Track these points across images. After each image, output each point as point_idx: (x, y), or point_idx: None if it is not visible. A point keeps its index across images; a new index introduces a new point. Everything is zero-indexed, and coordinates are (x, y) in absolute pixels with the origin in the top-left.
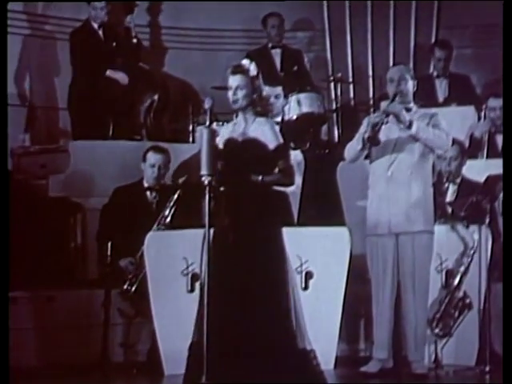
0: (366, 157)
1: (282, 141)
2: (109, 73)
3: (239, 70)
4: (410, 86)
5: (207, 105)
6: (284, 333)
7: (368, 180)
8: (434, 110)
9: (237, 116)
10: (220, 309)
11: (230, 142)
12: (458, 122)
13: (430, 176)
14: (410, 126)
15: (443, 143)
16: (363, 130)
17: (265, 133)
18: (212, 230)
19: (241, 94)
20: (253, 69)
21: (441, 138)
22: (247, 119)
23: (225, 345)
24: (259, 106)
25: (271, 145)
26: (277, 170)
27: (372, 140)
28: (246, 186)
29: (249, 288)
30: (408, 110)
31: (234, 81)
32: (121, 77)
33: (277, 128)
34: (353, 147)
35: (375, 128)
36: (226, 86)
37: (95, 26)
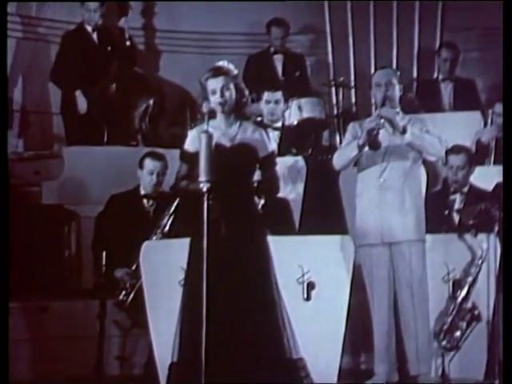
0: (355, 164)
1: (270, 150)
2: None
3: (220, 71)
4: (397, 90)
5: (205, 109)
6: (271, 343)
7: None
8: (420, 116)
9: (223, 120)
10: (210, 321)
11: (219, 148)
12: (463, 127)
13: (421, 183)
14: (404, 132)
15: (437, 150)
16: (350, 136)
17: (256, 140)
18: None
19: (228, 93)
20: (233, 68)
21: (434, 145)
22: (231, 123)
23: (216, 357)
24: (245, 108)
25: (262, 153)
26: (259, 178)
27: (373, 144)
28: (241, 193)
29: (237, 298)
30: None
31: (217, 82)
32: (81, 101)
33: (268, 135)
34: (346, 154)
35: (373, 133)
36: None
37: (89, 29)
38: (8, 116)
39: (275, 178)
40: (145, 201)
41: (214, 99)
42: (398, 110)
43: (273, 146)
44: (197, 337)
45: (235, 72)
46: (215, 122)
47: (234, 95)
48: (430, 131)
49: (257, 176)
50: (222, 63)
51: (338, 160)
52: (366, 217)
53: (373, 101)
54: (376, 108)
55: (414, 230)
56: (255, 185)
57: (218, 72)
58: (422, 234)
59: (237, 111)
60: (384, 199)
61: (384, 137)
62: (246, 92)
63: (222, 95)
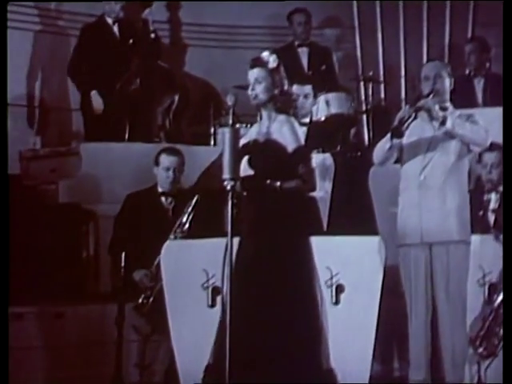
0: (397, 161)
1: (302, 143)
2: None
3: (257, 63)
4: (447, 83)
5: (230, 102)
6: (310, 352)
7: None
8: (470, 111)
9: (261, 115)
10: (242, 325)
11: (250, 144)
12: (497, 123)
13: (466, 180)
14: (443, 122)
15: (481, 139)
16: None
17: (284, 133)
18: (235, 239)
19: (259, 88)
20: (272, 61)
21: (479, 133)
22: (271, 117)
23: (247, 363)
24: (279, 102)
25: (290, 147)
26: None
27: (395, 131)
28: (268, 191)
29: (273, 303)
30: (444, 109)
31: (252, 75)
32: (96, 101)
33: (298, 128)
34: (381, 147)
35: (401, 121)
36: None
37: (110, 21)
38: (7, 113)
39: (309, 173)
40: (163, 199)
41: (249, 91)
42: (447, 104)
43: (302, 139)
44: (233, 339)
45: (273, 64)
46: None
47: (268, 89)
48: (476, 123)
49: (293, 172)
50: (264, 54)
51: (376, 154)
52: (406, 216)
53: (403, 96)
54: (406, 104)
55: (456, 230)
56: (291, 181)
57: (254, 63)
58: (464, 234)
59: (275, 106)
60: (424, 198)
61: (427, 130)
62: (286, 87)
63: (253, 88)
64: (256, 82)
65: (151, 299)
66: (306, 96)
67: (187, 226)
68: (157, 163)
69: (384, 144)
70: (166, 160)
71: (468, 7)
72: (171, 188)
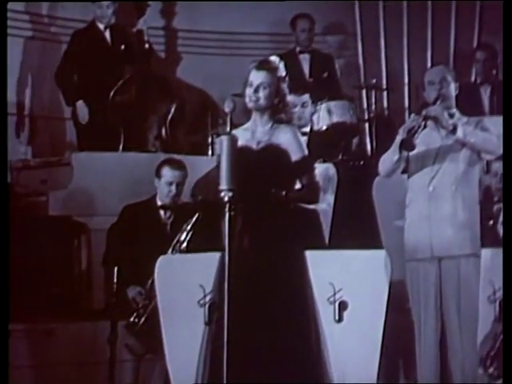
0: (404, 171)
1: (306, 152)
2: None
3: (266, 66)
4: (453, 88)
5: (227, 108)
6: (310, 371)
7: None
8: (480, 117)
9: (254, 120)
10: (237, 344)
11: (245, 151)
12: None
13: (476, 190)
14: (454, 131)
15: (494, 146)
16: (399, 139)
17: (288, 142)
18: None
19: (263, 93)
20: (282, 68)
21: (491, 141)
22: (264, 124)
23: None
24: (283, 113)
25: (294, 156)
26: (299, 185)
27: (406, 144)
28: (267, 202)
29: (270, 319)
30: (451, 115)
31: (257, 77)
32: (82, 111)
33: (301, 137)
34: (388, 158)
35: (410, 132)
36: None
37: (101, 26)
38: (7, 122)
39: (313, 184)
40: (161, 212)
41: (248, 92)
42: (454, 110)
43: (306, 149)
44: (223, 359)
45: (282, 73)
46: (249, 123)
47: (271, 96)
48: (488, 129)
49: (295, 182)
50: (274, 58)
51: (383, 165)
52: (415, 229)
53: (406, 104)
54: (410, 112)
55: (467, 243)
56: (294, 192)
57: (262, 66)
58: (475, 247)
59: (271, 114)
60: (434, 210)
61: (435, 139)
62: (287, 98)
63: (256, 91)
64: (261, 86)
65: (143, 318)
66: (303, 105)
67: (185, 244)
68: (158, 175)
69: (391, 155)
70: (169, 173)
71: (474, 13)
72: (171, 202)
